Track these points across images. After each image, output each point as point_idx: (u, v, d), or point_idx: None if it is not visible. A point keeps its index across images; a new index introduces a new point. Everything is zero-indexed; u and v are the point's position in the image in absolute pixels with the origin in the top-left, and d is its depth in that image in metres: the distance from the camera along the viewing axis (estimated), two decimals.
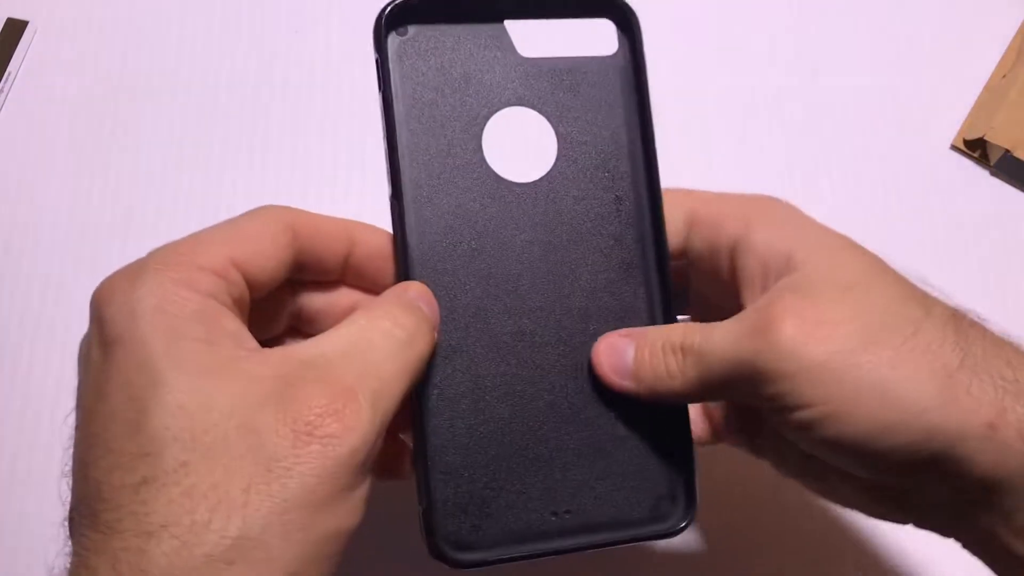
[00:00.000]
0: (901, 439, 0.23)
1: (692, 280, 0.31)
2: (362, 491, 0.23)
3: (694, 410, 0.31)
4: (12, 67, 0.45)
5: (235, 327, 0.25)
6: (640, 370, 0.27)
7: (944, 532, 0.26)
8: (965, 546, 0.26)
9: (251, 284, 0.26)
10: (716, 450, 0.32)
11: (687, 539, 0.37)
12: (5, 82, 0.45)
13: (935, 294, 0.26)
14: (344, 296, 0.30)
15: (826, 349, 0.23)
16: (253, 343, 0.25)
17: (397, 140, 0.28)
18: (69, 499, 0.23)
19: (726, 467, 0.35)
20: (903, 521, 0.27)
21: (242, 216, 0.27)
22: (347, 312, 0.27)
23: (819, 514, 0.37)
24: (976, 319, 0.25)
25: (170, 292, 0.23)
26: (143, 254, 0.24)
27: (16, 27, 0.46)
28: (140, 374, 0.22)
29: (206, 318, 0.24)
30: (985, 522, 0.24)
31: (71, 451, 0.24)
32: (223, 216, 0.42)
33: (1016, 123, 0.44)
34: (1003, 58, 0.48)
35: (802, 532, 0.37)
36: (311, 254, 0.27)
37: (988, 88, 0.47)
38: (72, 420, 0.24)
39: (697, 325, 0.27)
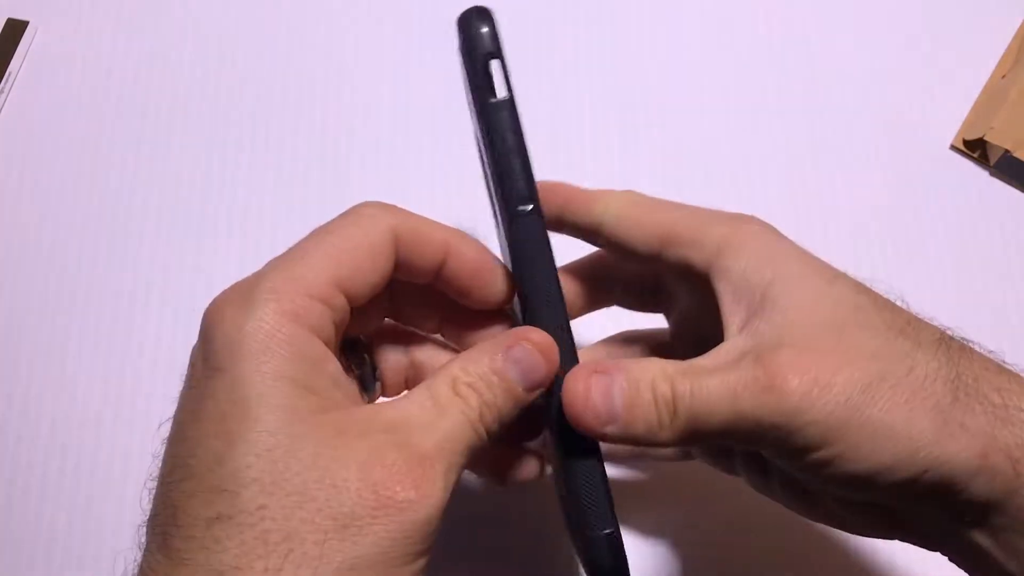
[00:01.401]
0: (902, 474, 0.24)
1: (666, 283, 0.31)
2: (427, 559, 0.23)
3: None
4: (12, 67, 0.45)
5: (334, 370, 0.25)
6: (633, 417, 0.25)
7: (931, 548, 0.27)
8: (953, 561, 0.26)
9: (352, 299, 0.26)
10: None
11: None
12: (5, 82, 0.45)
13: (916, 313, 0.26)
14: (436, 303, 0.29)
15: (830, 400, 0.23)
16: (349, 388, 0.25)
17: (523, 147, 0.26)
18: (149, 508, 0.23)
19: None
20: (891, 538, 0.28)
21: (344, 222, 0.26)
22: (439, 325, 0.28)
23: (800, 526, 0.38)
24: (963, 341, 0.26)
25: (277, 327, 0.23)
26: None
27: (16, 27, 0.46)
28: (234, 408, 0.22)
29: (308, 359, 0.24)
30: (977, 540, 0.25)
31: (158, 462, 0.24)
32: (223, 216, 0.43)
33: (1016, 123, 0.44)
34: (1003, 58, 0.48)
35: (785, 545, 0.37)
36: (409, 261, 0.27)
37: (988, 88, 0.47)
38: (166, 430, 0.24)
39: (683, 369, 0.25)
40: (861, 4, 0.49)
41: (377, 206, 0.26)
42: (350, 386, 0.25)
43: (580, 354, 0.27)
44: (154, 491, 0.23)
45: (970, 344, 0.26)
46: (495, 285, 0.28)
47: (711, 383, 0.24)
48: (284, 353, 0.23)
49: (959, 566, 0.26)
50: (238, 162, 0.44)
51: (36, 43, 0.47)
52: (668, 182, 0.44)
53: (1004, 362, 0.26)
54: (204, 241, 0.42)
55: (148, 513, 0.23)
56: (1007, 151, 0.44)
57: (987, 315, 0.42)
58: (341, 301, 0.25)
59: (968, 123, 0.46)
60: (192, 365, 0.24)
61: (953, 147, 0.46)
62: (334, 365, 0.25)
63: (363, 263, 0.25)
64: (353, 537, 0.22)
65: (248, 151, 0.45)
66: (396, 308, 0.30)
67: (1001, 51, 0.48)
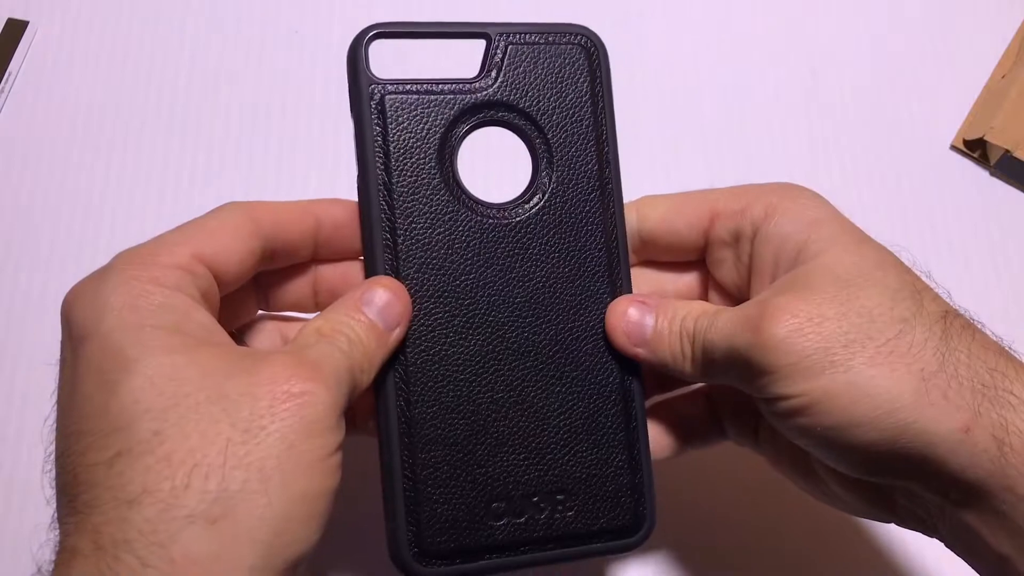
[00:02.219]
0: (872, 434, 0.24)
1: (711, 275, 0.32)
2: (338, 455, 0.24)
3: (661, 423, 0.31)
4: (12, 67, 0.45)
5: (204, 318, 0.25)
6: (660, 345, 0.28)
7: (927, 532, 0.27)
8: (948, 546, 0.27)
9: (220, 278, 0.27)
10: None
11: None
12: (5, 82, 0.45)
13: (938, 291, 0.27)
14: (309, 282, 0.31)
15: (808, 345, 0.24)
16: (223, 335, 0.26)
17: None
18: (52, 491, 0.24)
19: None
20: (887, 520, 0.28)
21: (203, 215, 0.28)
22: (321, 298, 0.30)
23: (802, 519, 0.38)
24: (969, 321, 0.26)
25: (135, 288, 0.24)
26: None
27: (16, 27, 0.46)
28: (109, 360, 0.23)
29: (174, 309, 0.24)
30: (967, 521, 0.25)
31: (51, 449, 0.24)
32: None
33: (1016, 123, 0.44)
34: (1003, 58, 0.48)
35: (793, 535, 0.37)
36: (278, 239, 0.28)
37: (988, 88, 0.47)
38: (51, 421, 0.24)
39: (709, 309, 0.28)
40: (861, 4, 0.49)
41: (237, 201, 0.28)
42: (224, 335, 0.26)
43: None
44: (52, 471, 0.24)
45: (978, 325, 0.26)
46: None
47: (721, 320, 0.26)
48: (147, 305, 0.24)
49: (955, 551, 0.27)
50: (238, 162, 0.44)
51: (36, 43, 0.47)
52: (666, 184, 0.44)
53: (1010, 348, 0.26)
54: None
55: (54, 494, 0.23)
56: (1007, 151, 0.44)
57: (987, 315, 0.42)
58: (202, 270, 0.26)
59: (968, 123, 0.46)
60: (61, 353, 0.25)
61: (953, 147, 0.46)
62: (204, 316, 0.25)
63: (221, 240, 0.26)
64: (256, 439, 0.22)
65: (249, 151, 0.45)
66: (267, 297, 0.31)
67: (1001, 51, 0.48)
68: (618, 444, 0.29)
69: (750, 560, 0.37)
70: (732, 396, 0.31)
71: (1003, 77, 0.47)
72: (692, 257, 0.32)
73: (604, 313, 0.29)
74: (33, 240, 0.42)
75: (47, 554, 0.23)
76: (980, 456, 0.23)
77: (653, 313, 0.28)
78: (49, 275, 0.42)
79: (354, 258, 0.30)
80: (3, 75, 0.45)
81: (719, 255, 0.30)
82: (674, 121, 0.46)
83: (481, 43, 0.30)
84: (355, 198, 0.29)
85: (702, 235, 0.30)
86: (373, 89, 0.28)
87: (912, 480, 0.25)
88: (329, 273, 0.30)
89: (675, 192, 0.31)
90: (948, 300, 0.27)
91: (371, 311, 0.26)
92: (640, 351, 0.28)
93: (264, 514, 0.21)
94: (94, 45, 0.47)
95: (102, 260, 0.26)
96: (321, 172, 0.44)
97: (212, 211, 0.28)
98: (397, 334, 0.27)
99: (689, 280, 0.32)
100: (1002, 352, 0.25)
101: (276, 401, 0.22)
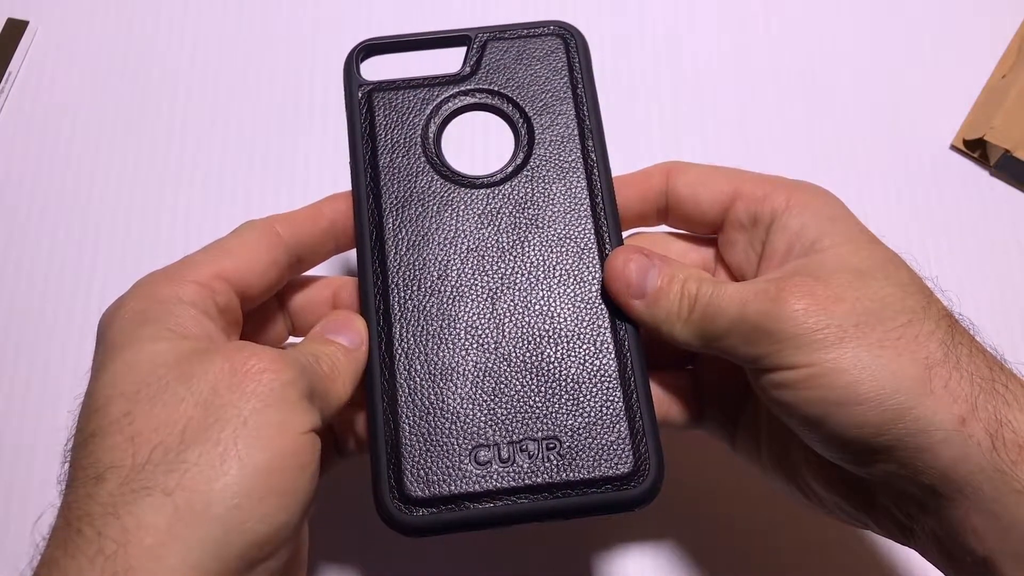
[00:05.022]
0: (869, 415, 0.24)
1: (720, 253, 0.32)
2: (307, 438, 0.24)
3: (677, 394, 0.31)
4: (12, 67, 0.45)
5: (210, 328, 0.26)
6: (658, 301, 0.28)
7: (904, 538, 0.27)
8: (924, 553, 0.27)
9: (245, 292, 0.28)
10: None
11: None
12: (5, 82, 0.45)
13: (941, 296, 0.27)
14: (325, 291, 0.32)
15: (821, 321, 0.25)
16: (222, 341, 0.27)
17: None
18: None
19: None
20: (865, 523, 0.28)
21: (226, 236, 0.29)
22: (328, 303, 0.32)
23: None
24: (969, 326, 0.27)
25: (153, 298, 0.26)
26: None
27: (16, 27, 0.46)
28: (104, 355, 0.25)
29: (180, 315, 0.26)
30: (952, 521, 0.24)
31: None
32: (223, 215, 0.43)
33: (1016, 123, 0.44)
34: (1003, 58, 0.48)
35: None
36: (300, 244, 0.30)
37: (988, 88, 0.47)
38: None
39: (708, 276, 0.28)
40: (861, 4, 0.49)
41: (257, 219, 0.30)
42: (225, 340, 0.27)
43: None
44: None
45: (975, 331, 0.27)
46: None
47: (729, 290, 0.27)
48: (154, 310, 0.26)
49: (931, 559, 0.26)
50: (238, 162, 0.44)
51: (36, 43, 0.47)
52: None
53: (1004, 359, 0.26)
54: (206, 242, 0.42)
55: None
56: (1007, 151, 0.44)
57: (987, 315, 0.42)
58: (223, 287, 0.27)
59: (968, 123, 0.46)
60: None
61: (953, 147, 0.46)
62: (209, 326, 0.26)
63: (245, 257, 0.28)
64: (214, 415, 0.23)
65: (249, 152, 0.45)
66: (295, 324, 0.33)
67: (1001, 51, 0.48)
68: (613, 393, 0.28)
69: (753, 556, 0.37)
70: (719, 381, 0.32)
71: (1003, 77, 0.47)
72: (705, 232, 0.32)
73: (594, 268, 0.29)
74: (33, 240, 0.42)
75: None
76: (972, 450, 0.23)
77: (657, 269, 0.28)
78: (49, 275, 0.42)
79: None
80: (3, 75, 0.45)
81: (732, 236, 0.31)
82: (674, 120, 0.46)
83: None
84: (348, 190, 0.31)
85: (722, 212, 0.31)
86: (363, 89, 0.32)
87: (899, 469, 0.25)
88: (348, 296, 0.32)
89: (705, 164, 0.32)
90: (951, 306, 0.27)
91: (328, 331, 0.28)
92: (636, 303, 0.28)
93: (219, 486, 0.22)
94: (94, 45, 0.47)
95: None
96: (322, 171, 0.44)
97: (234, 231, 0.29)
98: (358, 351, 0.28)
99: (705, 254, 0.33)
100: (998, 359, 0.26)
101: (235, 378, 0.23)
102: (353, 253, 0.31)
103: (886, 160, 0.45)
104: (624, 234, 0.31)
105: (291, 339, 0.33)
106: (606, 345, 0.28)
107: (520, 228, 0.30)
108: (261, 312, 0.31)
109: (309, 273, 0.33)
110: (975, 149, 0.45)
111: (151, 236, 0.42)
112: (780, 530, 0.37)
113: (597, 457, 0.27)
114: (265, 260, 0.29)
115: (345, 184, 0.31)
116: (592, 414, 0.28)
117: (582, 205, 0.30)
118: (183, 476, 0.22)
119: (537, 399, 0.28)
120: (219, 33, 0.47)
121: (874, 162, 0.45)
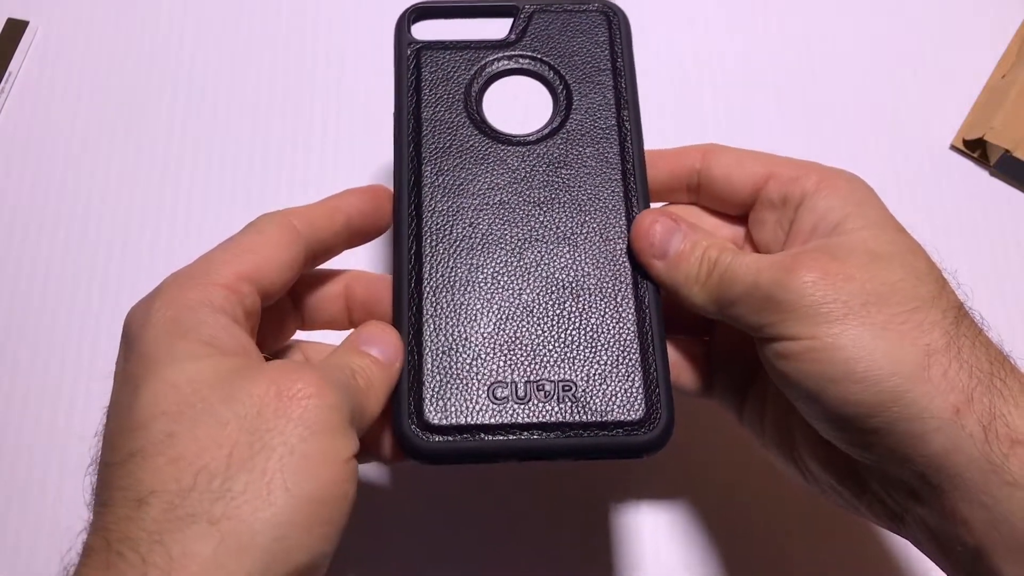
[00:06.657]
0: (864, 395, 0.24)
1: (750, 231, 0.33)
2: (350, 465, 0.24)
3: (691, 361, 0.32)
4: (12, 67, 0.45)
5: (242, 337, 0.26)
6: (679, 264, 0.29)
7: (894, 526, 0.27)
8: (915, 542, 0.27)
9: (266, 290, 0.28)
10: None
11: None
12: (5, 82, 0.45)
13: (957, 290, 0.28)
14: (337, 285, 0.32)
15: (829, 295, 0.26)
16: (256, 353, 0.26)
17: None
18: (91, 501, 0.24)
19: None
20: (857, 508, 0.28)
21: (244, 231, 0.29)
22: (340, 297, 0.32)
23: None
24: (978, 320, 0.27)
25: (181, 305, 0.25)
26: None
27: (16, 27, 0.46)
28: (141, 367, 0.24)
29: (213, 325, 0.25)
30: (937, 509, 0.25)
31: (94, 455, 0.25)
32: (224, 215, 0.43)
33: (1016, 123, 0.44)
34: (1003, 58, 0.48)
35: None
36: (317, 239, 0.30)
37: (988, 88, 0.47)
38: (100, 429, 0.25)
39: (733, 248, 0.29)
40: (861, 4, 0.49)
41: (272, 212, 0.29)
42: (257, 353, 0.27)
43: None
44: (93, 475, 0.25)
45: (984, 326, 0.27)
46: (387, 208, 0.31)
47: (747, 259, 0.28)
48: (188, 320, 0.25)
49: (922, 548, 0.27)
50: (238, 161, 0.44)
51: (36, 43, 0.47)
52: None
53: (1008, 354, 0.26)
54: (206, 242, 0.42)
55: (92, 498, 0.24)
56: (1007, 151, 0.44)
57: (987, 314, 0.42)
58: (248, 289, 0.27)
59: (968, 123, 0.46)
60: (115, 365, 0.26)
61: (953, 147, 0.46)
62: (241, 335, 0.26)
63: (264, 256, 0.28)
64: (260, 440, 0.22)
65: (249, 150, 0.45)
66: (304, 317, 0.32)
67: (1001, 51, 0.48)
68: (631, 344, 0.29)
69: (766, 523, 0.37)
70: (731, 353, 0.32)
71: (1003, 77, 0.47)
72: (737, 211, 0.32)
73: (620, 228, 0.30)
74: (33, 240, 0.42)
75: (74, 557, 0.23)
76: (965, 441, 0.24)
77: (682, 234, 0.29)
78: (49, 275, 0.42)
79: (378, 236, 0.32)
80: (3, 75, 0.45)
81: (762, 215, 0.31)
82: (673, 120, 0.46)
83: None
84: (363, 186, 0.31)
85: (754, 193, 0.31)
86: (412, 47, 0.33)
87: (892, 454, 0.25)
88: (360, 291, 0.32)
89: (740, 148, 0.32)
90: (965, 300, 0.28)
91: (364, 344, 0.28)
92: (657, 263, 0.29)
93: (265, 517, 0.21)
94: (94, 45, 0.47)
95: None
96: (322, 171, 0.44)
97: (251, 225, 0.29)
98: (395, 365, 0.28)
99: (736, 231, 0.33)
100: (1003, 353, 0.26)
101: (281, 402, 0.23)
102: (367, 248, 0.32)
103: (886, 160, 0.45)
104: (654, 206, 0.32)
105: (298, 334, 0.33)
106: (626, 300, 0.29)
107: (552, 186, 0.31)
108: (272, 307, 0.30)
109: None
110: (975, 149, 0.45)
111: (151, 235, 0.42)
112: (785, 502, 0.38)
113: (611, 402, 0.28)
114: (285, 257, 0.28)
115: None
116: (608, 362, 0.28)
117: (614, 169, 0.31)
118: (228, 505, 0.21)
119: (556, 346, 0.29)
120: (219, 32, 0.47)
121: (874, 162, 0.45)
